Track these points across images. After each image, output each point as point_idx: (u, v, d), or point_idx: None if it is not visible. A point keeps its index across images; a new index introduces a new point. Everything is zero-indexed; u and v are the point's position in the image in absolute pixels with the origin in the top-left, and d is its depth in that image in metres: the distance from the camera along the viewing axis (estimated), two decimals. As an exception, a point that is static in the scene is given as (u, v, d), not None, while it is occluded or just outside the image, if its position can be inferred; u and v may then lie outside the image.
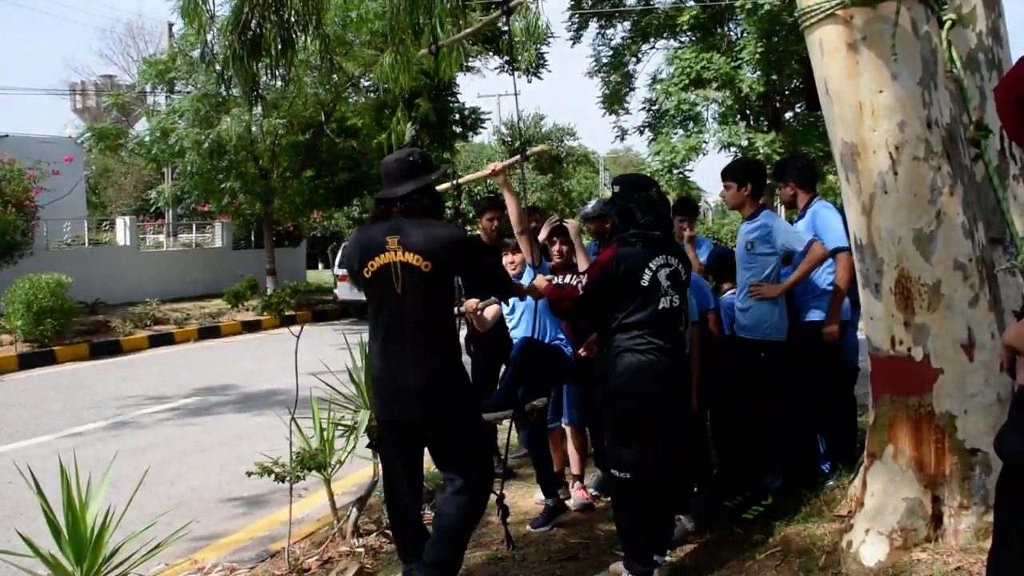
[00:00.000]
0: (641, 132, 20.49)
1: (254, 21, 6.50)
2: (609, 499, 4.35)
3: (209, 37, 7.11)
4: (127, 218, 19.37)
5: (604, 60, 19.91)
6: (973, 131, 3.55)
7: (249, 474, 4.05)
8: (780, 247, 4.44)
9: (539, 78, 18.88)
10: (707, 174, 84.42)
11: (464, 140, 23.33)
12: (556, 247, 4.62)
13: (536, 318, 4.27)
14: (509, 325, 4.63)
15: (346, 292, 16.53)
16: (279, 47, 6.59)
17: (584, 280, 3.73)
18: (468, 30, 5.65)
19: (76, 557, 3.04)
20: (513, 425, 4.68)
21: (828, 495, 4.36)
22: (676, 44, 18.95)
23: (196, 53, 14.07)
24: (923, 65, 3.42)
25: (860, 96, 3.46)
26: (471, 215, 23.63)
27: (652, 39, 19.48)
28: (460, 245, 3.36)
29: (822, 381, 4.74)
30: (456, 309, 3.89)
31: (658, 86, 18.64)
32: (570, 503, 4.72)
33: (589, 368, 4.34)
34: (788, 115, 19.78)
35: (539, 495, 4.64)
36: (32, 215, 13.71)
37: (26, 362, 11.20)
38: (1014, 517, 2.27)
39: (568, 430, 4.83)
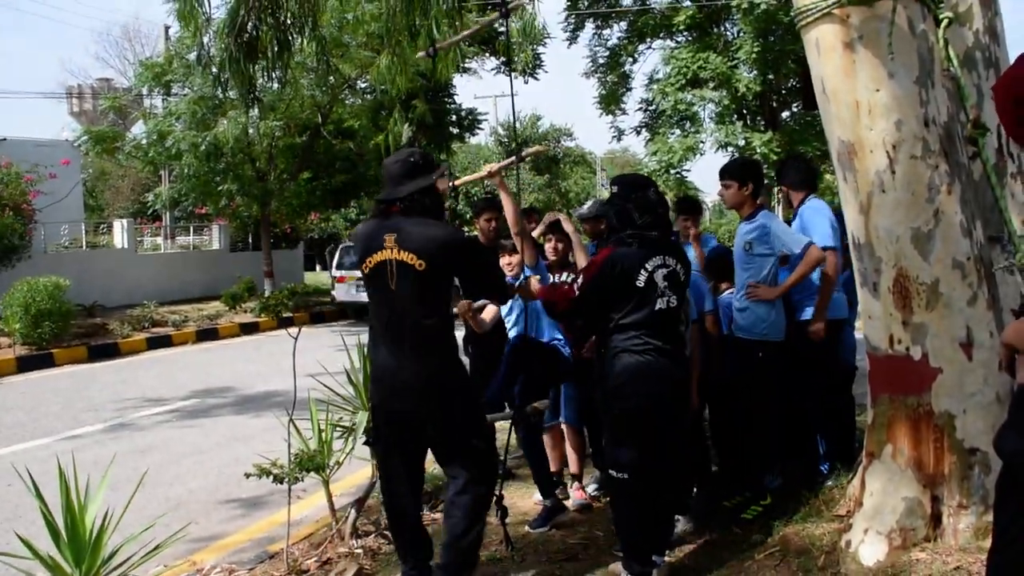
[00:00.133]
0: (638, 132, 20.53)
1: (250, 24, 6.49)
2: (608, 499, 4.35)
3: (205, 40, 7.10)
4: (124, 221, 19.34)
5: (600, 61, 19.94)
6: (971, 129, 3.55)
7: (247, 475, 4.05)
8: (778, 249, 4.44)
9: (536, 79, 18.91)
10: (704, 174, 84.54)
11: (461, 141, 23.35)
12: (551, 244, 4.62)
13: (532, 319, 4.26)
14: (507, 326, 4.63)
15: (344, 294, 16.54)
16: (275, 49, 6.59)
17: (580, 280, 3.71)
18: (466, 32, 5.65)
19: (75, 559, 3.04)
20: (512, 426, 4.68)
21: (827, 495, 4.36)
22: (672, 44, 18.98)
23: (193, 56, 14.12)
24: (920, 63, 3.42)
25: (857, 95, 3.47)
26: (468, 216, 23.62)
27: (648, 39, 19.51)
28: (455, 246, 3.40)
29: (820, 380, 4.74)
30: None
31: (655, 86, 18.67)
32: (569, 503, 4.71)
33: (587, 368, 4.34)
34: (785, 114, 19.83)
35: (538, 496, 4.64)
36: (30, 218, 13.70)
37: (24, 365, 11.18)
38: (1014, 517, 2.27)
39: (566, 430, 4.83)
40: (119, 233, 18.89)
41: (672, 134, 18.30)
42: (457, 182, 4.80)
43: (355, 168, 18.15)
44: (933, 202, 3.42)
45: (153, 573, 3.74)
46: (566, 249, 4.67)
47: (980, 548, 3.21)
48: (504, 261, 4.53)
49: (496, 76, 24.09)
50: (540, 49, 18.37)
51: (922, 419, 3.48)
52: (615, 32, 19.92)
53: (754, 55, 16.55)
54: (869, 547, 3.45)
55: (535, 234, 4.68)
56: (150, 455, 6.47)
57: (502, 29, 5.18)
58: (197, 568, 4.13)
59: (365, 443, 3.96)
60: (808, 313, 4.64)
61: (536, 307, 4.47)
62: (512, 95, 4.64)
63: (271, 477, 4.03)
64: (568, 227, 4.56)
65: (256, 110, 14.72)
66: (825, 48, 3.54)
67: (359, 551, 4.13)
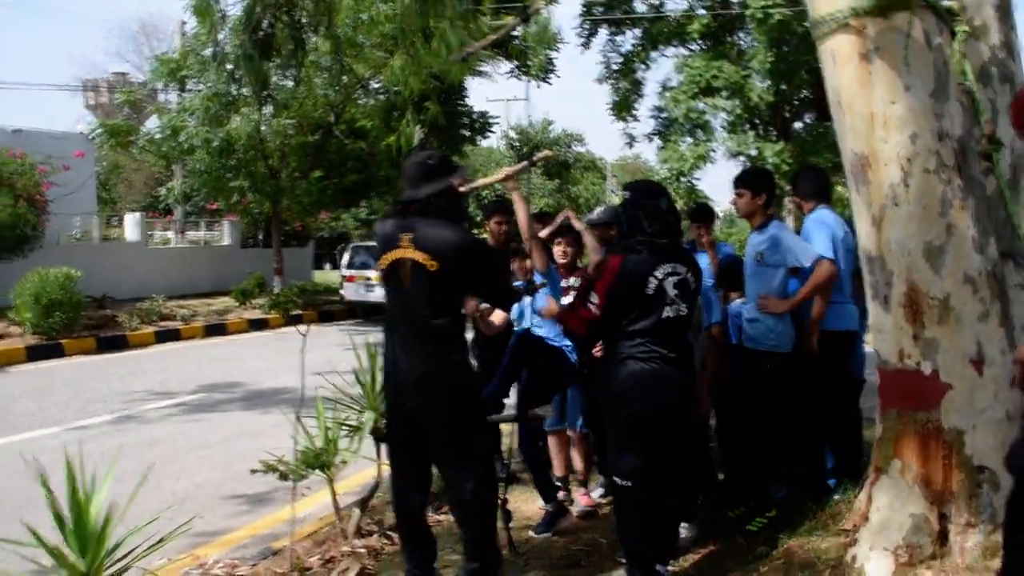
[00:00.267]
0: (650, 139, 20.50)
1: (266, 21, 6.52)
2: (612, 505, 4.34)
3: (221, 36, 7.14)
4: (136, 214, 19.44)
5: (614, 67, 19.93)
6: (985, 144, 3.53)
7: (253, 472, 4.05)
8: (788, 261, 4.43)
9: (548, 83, 18.94)
10: (714, 183, 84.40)
11: (473, 144, 23.38)
12: (560, 248, 4.62)
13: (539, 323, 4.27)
14: (516, 329, 4.63)
15: (352, 293, 16.58)
16: (290, 47, 6.61)
17: (593, 296, 3.66)
18: (492, 36, 5.65)
19: (80, 549, 3.05)
20: (516, 429, 4.67)
21: (833, 509, 4.33)
22: (686, 52, 18.96)
23: (208, 52, 14.17)
24: (935, 77, 3.41)
25: (872, 107, 3.46)
26: (478, 218, 23.66)
27: (662, 46, 19.49)
28: (467, 248, 3.46)
29: (829, 392, 4.72)
30: None
31: (667, 94, 18.65)
32: (573, 509, 4.71)
33: (594, 373, 4.33)
34: (797, 125, 19.77)
35: (542, 500, 4.64)
36: (43, 209, 13.77)
37: (34, 354, 11.24)
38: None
39: (572, 435, 4.82)
40: (130, 226, 18.98)
41: (684, 142, 18.27)
42: (471, 186, 4.81)
43: (366, 168, 18.20)
44: (946, 216, 3.40)
45: (156, 566, 3.75)
46: (576, 253, 4.67)
47: (987, 567, 3.19)
48: (515, 266, 4.54)
49: (508, 79, 24.16)
50: (552, 54, 18.43)
51: (931, 435, 3.45)
52: (628, 39, 19.92)
53: (767, 65, 16.50)
54: (875, 563, 3.44)
55: (544, 234, 4.69)
56: (156, 448, 6.49)
57: (517, 33, 5.19)
58: (200, 563, 4.14)
59: (378, 438, 3.98)
60: (826, 323, 4.61)
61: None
62: (526, 99, 4.65)
63: (277, 474, 4.03)
64: (578, 225, 4.58)
65: (270, 107, 14.77)
66: (841, 59, 3.53)
67: (362, 550, 4.13)
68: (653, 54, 19.77)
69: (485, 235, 5.12)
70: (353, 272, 16.60)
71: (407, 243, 3.39)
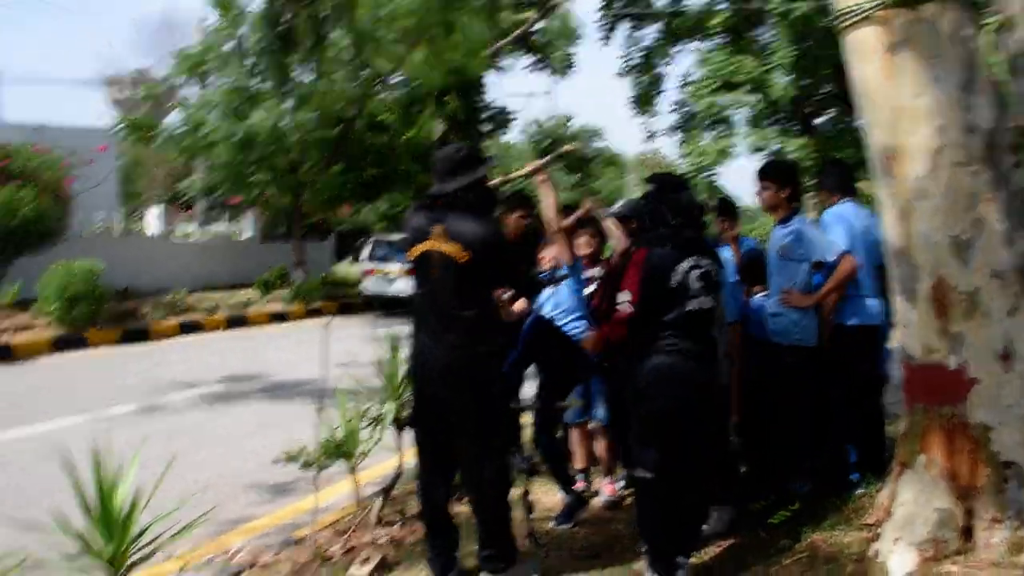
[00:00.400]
0: (671, 134, 20.43)
1: (287, 14, 6.55)
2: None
3: (242, 30, 7.18)
4: (158, 208, 19.58)
5: (635, 61, 19.86)
6: (1015, 137, 3.49)
7: (275, 461, 4.08)
8: (812, 256, 4.40)
9: (566, 77, 18.92)
10: (735, 178, 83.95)
11: (492, 138, 23.39)
12: (583, 238, 4.61)
13: (561, 315, 4.26)
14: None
15: (372, 286, 16.60)
16: (311, 41, 6.64)
17: (624, 295, 3.65)
18: (517, 31, 5.65)
19: (106, 536, 3.09)
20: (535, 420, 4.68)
21: (857, 503, 4.31)
22: (707, 46, 18.87)
23: (229, 46, 14.25)
24: (964, 69, 3.37)
25: (898, 100, 3.42)
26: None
27: (683, 41, 19.40)
28: (494, 241, 3.50)
29: (847, 385, 4.68)
30: None
31: (688, 88, 18.57)
32: (598, 499, 4.71)
33: (615, 366, 4.32)
34: (819, 121, 19.62)
35: (562, 492, 4.64)
36: (67, 203, 13.91)
37: (58, 345, 11.36)
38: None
39: (596, 427, 4.82)
40: (153, 220, 19.13)
41: (705, 136, 18.20)
42: (507, 176, 4.82)
43: (387, 162, 18.23)
44: (974, 210, 3.36)
45: (180, 553, 3.79)
46: (599, 244, 4.67)
47: (1014, 563, 3.17)
48: (541, 255, 4.56)
49: (529, 74, 24.17)
50: (572, 49, 18.39)
51: (957, 430, 3.42)
52: (649, 33, 19.84)
53: (789, 60, 16.39)
54: (899, 557, 3.41)
55: (565, 224, 4.68)
56: (180, 437, 6.55)
57: (537, 27, 5.20)
58: (223, 550, 4.18)
59: (402, 426, 4.00)
60: (849, 318, 4.59)
61: (566, 304, 4.47)
62: (548, 93, 4.65)
63: (299, 463, 4.06)
64: (600, 214, 4.57)
65: (290, 101, 14.82)
66: (866, 51, 3.49)
67: (383, 541, 4.15)
68: (674, 48, 19.70)
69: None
70: (373, 266, 16.61)
71: (438, 234, 3.43)
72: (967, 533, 3.38)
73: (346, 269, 24.72)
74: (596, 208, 4.67)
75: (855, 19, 3.48)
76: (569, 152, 5.68)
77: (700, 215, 3.81)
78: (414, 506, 4.51)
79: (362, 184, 18.67)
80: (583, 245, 4.62)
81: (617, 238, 4.35)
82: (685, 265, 3.56)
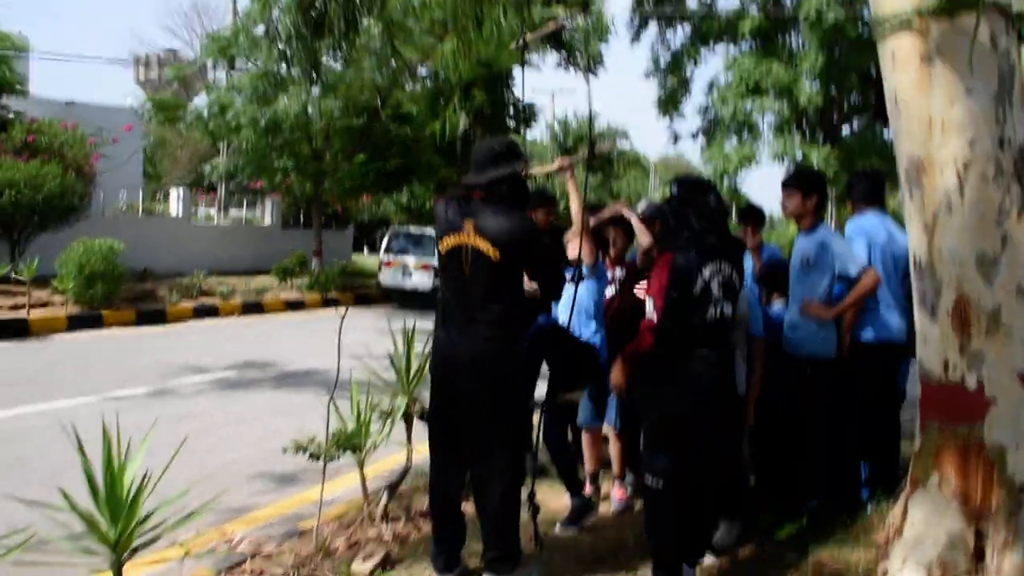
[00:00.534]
0: (695, 137, 20.34)
1: (319, 0, 6.54)
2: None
3: (274, 14, 7.19)
4: (180, 189, 19.69)
5: (662, 63, 19.78)
6: (1048, 154, 3.41)
7: (284, 450, 4.07)
8: (836, 268, 4.33)
9: (595, 75, 18.83)
10: (757, 185, 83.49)
11: (517, 134, 23.34)
12: (610, 238, 4.59)
13: (576, 316, 4.23)
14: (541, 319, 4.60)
15: (389, 278, 16.59)
16: (342, 28, 6.63)
17: (652, 301, 3.61)
18: (551, 25, 5.61)
19: (112, 517, 3.08)
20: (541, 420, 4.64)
21: (865, 520, 4.25)
22: (736, 50, 18.76)
23: (259, 30, 14.29)
24: (1000, 81, 3.29)
25: (930, 110, 3.35)
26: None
27: (711, 44, 19.30)
28: (527, 237, 3.49)
29: (862, 401, 4.61)
30: None
31: (715, 91, 18.47)
32: (609, 504, 4.68)
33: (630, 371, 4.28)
34: (845, 130, 19.46)
35: (568, 496, 4.60)
36: (90, 180, 14.00)
37: (74, 323, 11.44)
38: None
39: (609, 432, 4.78)
40: (174, 202, 19.23)
41: (729, 141, 18.10)
42: (530, 172, 4.80)
43: (410, 153, 18.24)
44: (1002, 226, 3.29)
45: (184, 539, 3.78)
46: (625, 244, 4.64)
47: (1025, 588, 3.10)
48: (566, 239, 4.54)
49: (556, 71, 24.10)
50: (601, 46, 18.29)
51: (972, 450, 3.35)
52: (678, 35, 19.75)
53: (818, 67, 16.26)
54: (907, 577, 3.35)
55: (591, 222, 4.65)
56: (189, 422, 6.57)
57: (567, 24, 5.16)
58: (227, 538, 4.17)
59: (420, 417, 4.06)
60: (866, 333, 4.52)
61: (582, 305, 4.43)
62: (578, 89, 4.62)
63: (307, 453, 4.05)
64: (629, 214, 4.54)
65: (318, 88, 14.84)
66: (901, 60, 3.42)
67: (388, 536, 4.13)
68: (702, 51, 19.60)
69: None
70: (391, 257, 16.57)
71: (470, 229, 3.42)
72: (978, 555, 3.31)
73: (364, 259, 24.78)
74: (625, 208, 4.63)
75: (892, 27, 3.41)
76: (603, 152, 5.64)
77: (725, 220, 3.75)
78: (420, 503, 4.49)
79: (384, 174, 18.69)
80: (614, 243, 4.60)
81: (642, 232, 4.31)
82: (708, 271, 3.51)
